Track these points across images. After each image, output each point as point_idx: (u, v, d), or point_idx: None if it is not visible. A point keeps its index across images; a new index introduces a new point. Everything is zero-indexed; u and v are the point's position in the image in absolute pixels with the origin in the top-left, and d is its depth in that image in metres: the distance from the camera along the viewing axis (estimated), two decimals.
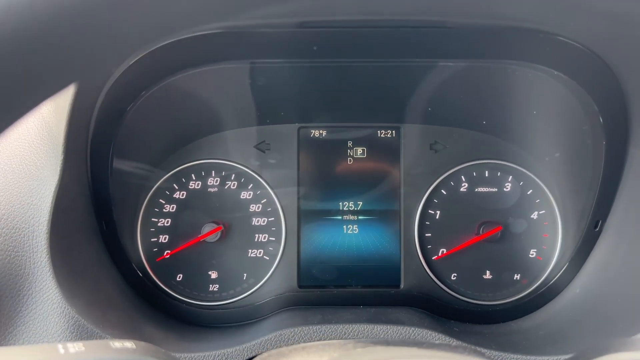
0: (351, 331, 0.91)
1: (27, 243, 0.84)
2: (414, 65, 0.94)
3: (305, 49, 0.88)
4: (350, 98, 1.07)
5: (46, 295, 0.83)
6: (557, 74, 0.90)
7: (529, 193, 1.11)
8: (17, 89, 0.31)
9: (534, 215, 1.11)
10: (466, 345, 0.87)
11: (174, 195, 1.11)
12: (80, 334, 0.82)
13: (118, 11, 0.30)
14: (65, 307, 0.82)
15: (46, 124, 0.90)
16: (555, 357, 0.85)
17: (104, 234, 1.02)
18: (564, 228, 1.10)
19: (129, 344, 0.50)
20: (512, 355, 0.87)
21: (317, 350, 0.59)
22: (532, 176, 1.11)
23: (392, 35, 0.81)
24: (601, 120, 0.93)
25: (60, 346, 0.47)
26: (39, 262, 0.83)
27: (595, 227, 1.03)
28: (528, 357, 0.87)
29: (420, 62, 0.94)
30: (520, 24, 0.70)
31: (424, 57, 0.93)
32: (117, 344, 0.50)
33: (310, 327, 0.92)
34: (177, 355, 0.87)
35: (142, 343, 0.51)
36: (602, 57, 0.80)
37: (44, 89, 0.33)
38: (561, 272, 1.08)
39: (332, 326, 0.92)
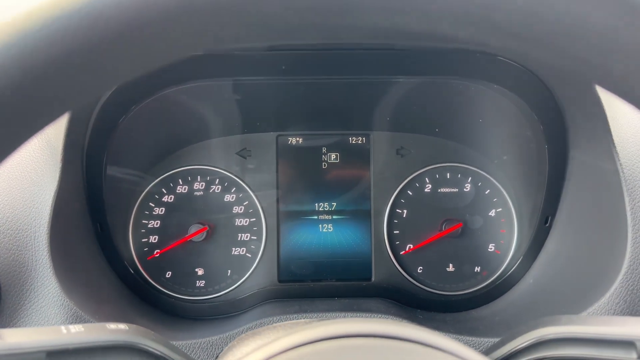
0: (325, 319, 1.01)
1: (29, 242, 0.92)
2: (375, 81, 1.05)
3: (278, 68, 0.99)
4: (323, 109, 1.18)
5: (47, 289, 0.91)
6: (497, 87, 1.02)
7: (486, 193, 1.22)
8: (17, 119, 0.35)
9: (492, 213, 1.22)
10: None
11: (163, 199, 1.20)
12: (78, 324, 0.90)
13: (116, 54, 0.37)
14: (64, 300, 0.91)
15: (45, 135, 0.99)
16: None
17: (98, 235, 1.11)
18: (519, 224, 1.20)
19: (122, 326, 0.59)
20: (467, 338, 0.98)
21: (285, 327, 0.69)
22: (489, 177, 1.22)
23: (353, 56, 0.92)
24: (541, 127, 1.04)
25: (62, 327, 0.56)
26: (41, 260, 0.92)
27: (546, 222, 1.14)
28: (481, 338, 0.97)
29: (380, 79, 1.05)
30: (459, 45, 0.81)
31: (382, 74, 1.04)
32: (112, 325, 0.59)
33: (288, 317, 1.02)
34: None
35: (134, 325, 0.60)
36: (534, 72, 0.91)
37: (40, 119, 0.36)
38: (517, 264, 1.19)
39: (307, 315, 1.02)
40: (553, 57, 0.40)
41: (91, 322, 0.91)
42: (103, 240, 1.12)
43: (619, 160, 0.91)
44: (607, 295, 0.89)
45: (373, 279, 1.21)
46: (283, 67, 0.97)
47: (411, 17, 0.39)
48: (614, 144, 0.92)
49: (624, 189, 0.90)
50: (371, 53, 0.93)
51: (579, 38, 0.38)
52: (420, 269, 1.22)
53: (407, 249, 1.22)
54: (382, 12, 0.38)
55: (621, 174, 0.91)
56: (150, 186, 1.20)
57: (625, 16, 0.36)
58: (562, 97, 0.97)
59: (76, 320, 0.90)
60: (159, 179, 1.20)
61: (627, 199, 0.90)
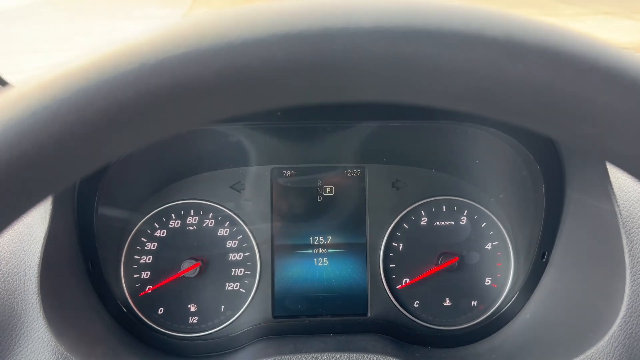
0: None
1: (19, 286, 0.91)
2: (370, 124, 1.05)
3: (272, 114, 0.99)
4: (318, 144, 1.17)
5: (37, 334, 0.90)
6: (493, 130, 1.01)
7: (482, 226, 1.21)
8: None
9: (488, 246, 1.21)
10: None
11: (155, 234, 1.18)
12: None
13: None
14: (54, 345, 0.89)
15: None
16: None
17: (90, 273, 1.09)
18: (515, 258, 1.20)
19: None
20: None
21: None
22: (486, 211, 1.21)
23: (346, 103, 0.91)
24: (538, 167, 1.04)
25: None
26: (30, 304, 0.90)
27: (542, 257, 1.13)
28: None
29: (374, 124, 1.04)
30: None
31: (376, 119, 1.03)
32: None
33: (283, 357, 1.00)
34: None
35: None
36: None
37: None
38: (514, 298, 1.18)
39: (303, 356, 1.00)
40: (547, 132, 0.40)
41: None
42: (94, 277, 1.10)
43: (617, 202, 0.90)
44: (606, 338, 0.88)
45: (369, 314, 1.20)
46: (278, 114, 0.97)
47: (406, 96, 0.39)
48: (611, 185, 0.91)
49: (622, 230, 0.90)
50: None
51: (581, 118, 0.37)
52: (417, 304, 1.21)
53: (403, 283, 1.21)
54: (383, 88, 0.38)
55: (619, 215, 0.90)
56: (142, 221, 1.18)
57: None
58: (560, 141, 0.97)
59: None
60: (151, 214, 1.18)
61: (624, 241, 0.89)
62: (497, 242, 1.21)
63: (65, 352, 0.89)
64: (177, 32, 0.36)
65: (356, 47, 0.36)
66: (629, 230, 0.90)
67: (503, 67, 0.35)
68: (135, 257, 1.18)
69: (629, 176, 0.86)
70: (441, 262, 1.19)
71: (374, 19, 0.36)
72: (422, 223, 1.22)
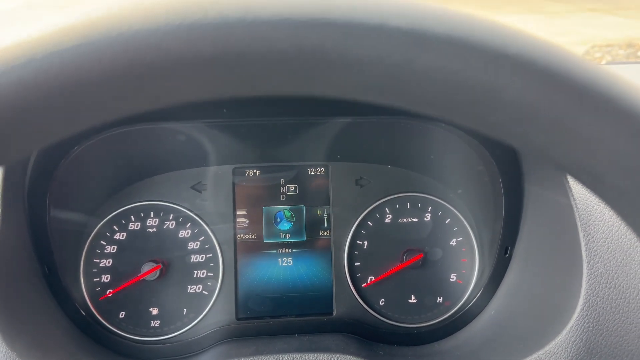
0: None
1: None
2: (330, 121, 1.04)
3: (220, 110, 0.97)
4: (279, 142, 1.15)
5: None
6: (445, 125, 1.00)
7: (447, 222, 1.21)
8: None
9: (453, 242, 1.20)
10: None
11: (115, 237, 1.16)
12: None
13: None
14: (5, 351, 0.87)
15: None
16: None
17: (46, 277, 1.07)
18: (480, 253, 1.19)
19: None
20: None
21: None
22: (449, 207, 1.20)
23: (296, 99, 0.90)
24: (493, 162, 1.03)
25: None
26: None
27: (506, 252, 1.13)
28: None
29: (328, 120, 1.03)
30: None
31: (330, 115, 1.02)
32: None
33: (244, 359, 0.99)
34: None
35: None
36: None
37: None
38: (479, 294, 1.17)
39: (263, 357, 0.99)
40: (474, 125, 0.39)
41: None
42: (51, 282, 1.07)
43: (573, 196, 0.90)
44: (564, 332, 0.88)
45: (334, 313, 1.19)
46: (224, 110, 0.95)
47: (316, 89, 0.38)
48: (566, 178, 0.91)
49: (578, 224, 0.89)
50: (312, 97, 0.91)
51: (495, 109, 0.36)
52: (382, 302, 1.20)
53: (368, 281, 1.20)
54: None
55: (575, 208, 0.90)
56: (100, 224, 1.16)
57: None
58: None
59: None
60: (109, 216, 1.16)
61: (581, 235, 0.89)
62: (461, 238, 1.20)
63: (17, 359, 0.87)
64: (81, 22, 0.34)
65: (256, 38, 0.34)
66: (586, 223, 0.90)
67: (407, 56, 0.34)
68: (94, 260, 1.15)
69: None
70: (406, 259, 1.18)
71: (275, 9, 0.34)
72: (386, 220, 1.21)
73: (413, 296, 1.20)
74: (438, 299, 1.20)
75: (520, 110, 0.35)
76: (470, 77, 0.35)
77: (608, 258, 0.88)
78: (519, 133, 0.37)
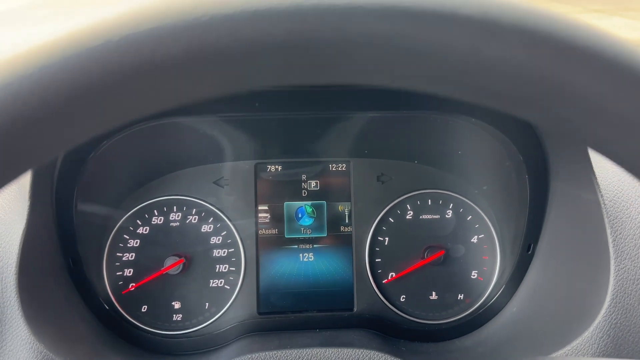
0: (305, 355, 0.98)
1: None
2: (354, 116, 1.04)
3: (251, 104, 0.97)
4: (302, 137, 1.16)
5: (16, 332, 0.88)
6: (475, 121, 1.01)
7: (468, 219, 1.21)
8: None
9: (474, 239, 1.21)
10: None
11: (138, 231, 1.17)
12: None
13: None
14: (34, 343, 0.87)
15: None
16: None
17: (71, 270, 1.07)
18: (501, 251, 1.19)
19: None
20: None
21: None
22: (471, 203, 1.20)
23: (328, 92, 0.90)
24: (521, 158, 1.03)
25: None
26: (8, 301, 0.88)
27: (528, 250, 1.13)
28: None
29: (357, 114, 1.03)
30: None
31: (360, 110, 1.02)
32: None
33: (268, 353, 0.99)
34: None
35: None
36: None
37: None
38: (500, 291, 1.17)
39: (287, 351, 0.99)
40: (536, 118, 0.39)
41: None
42: (76, 275, 1.08)
43: (600, 192, 0.90)
44: (591, 329, 0.88)
45: (355, 309, 1.19)
46: (256, 104, 0.95)
47: (382, 78, 0.38)
48: (594, 174, 0.91)
49: (606, 220, 0.89)
50: (347, 90, 0.91)
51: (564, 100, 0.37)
52: (403, 298, 1.20)
53: (389, 278, 1.20)
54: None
55: (602, 205, 0.90)
56: (124, 218, 1.16)
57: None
58: (543, 131, 0.97)
59: None
60: (133, 210, 1.17)
61: (609, 231, 0.89)
62: (482, 235, 1.20)
63: (45, 351, 0.88)
64: (144, 9, 0.34)
65: (329, 26, 0.34)
66: (613, 220, 0.90)
67: (478, 46, 0.35)
68: (117, 254, 1.16)
69: (613, 165, 0.86)
70: (427, 255, 1.18)
71: None
72: (407, 217, 1.21)
73: (434, 293, 1.20)
74: (459, 296, 1.20)
75: (593, 104, 0.35)
76: (537, 69, 0.35)
77: (636, 255, 0.88)
78: (585, 125, 0.37)
